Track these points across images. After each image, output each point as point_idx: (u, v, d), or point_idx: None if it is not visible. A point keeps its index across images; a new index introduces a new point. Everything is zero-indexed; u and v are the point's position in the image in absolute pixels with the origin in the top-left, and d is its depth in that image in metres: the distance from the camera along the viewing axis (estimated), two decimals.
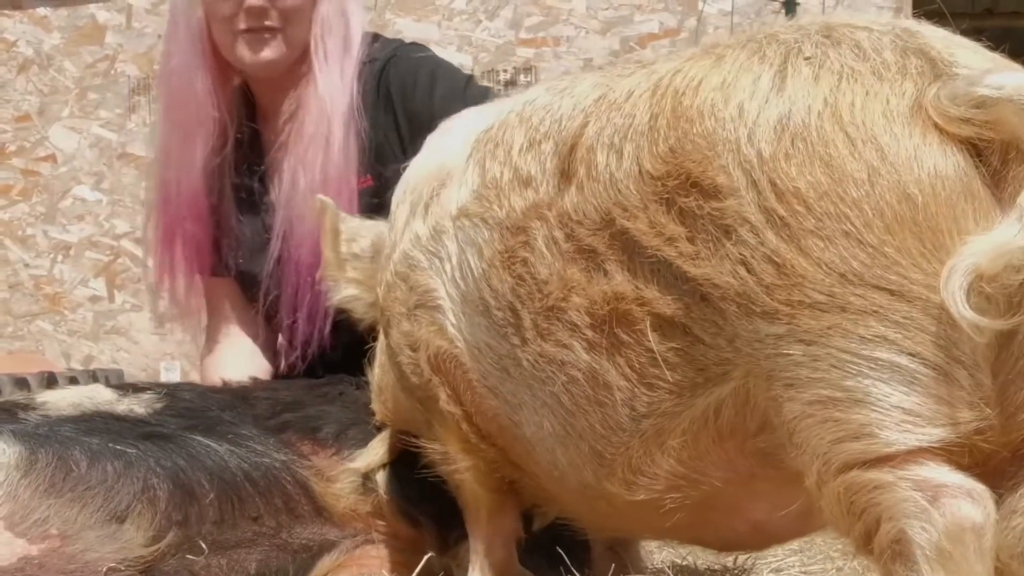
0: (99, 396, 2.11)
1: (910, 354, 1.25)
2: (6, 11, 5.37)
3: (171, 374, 5.08)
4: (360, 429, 2.10)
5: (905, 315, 1.25)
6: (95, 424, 1.97)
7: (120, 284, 5.31)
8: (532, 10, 5.13)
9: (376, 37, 2.65)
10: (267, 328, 2.67)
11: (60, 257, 5.36)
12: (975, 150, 1.26)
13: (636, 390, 1.45)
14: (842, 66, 1.33)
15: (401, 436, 1.96)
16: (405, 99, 2.50)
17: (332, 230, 2.04)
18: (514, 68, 5.15)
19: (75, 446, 1.87)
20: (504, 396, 1.65)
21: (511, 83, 5.14)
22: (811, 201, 1.28)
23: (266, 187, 2.56)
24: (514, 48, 5.15)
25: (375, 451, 2.05)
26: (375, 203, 2.35)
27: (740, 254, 1.31)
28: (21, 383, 2.96)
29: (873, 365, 1.25)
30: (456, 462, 1.79)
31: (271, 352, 2.67)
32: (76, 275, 5.33)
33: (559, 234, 1.51)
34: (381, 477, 2.02)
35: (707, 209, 1.34)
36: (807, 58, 1.35)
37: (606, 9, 5.02)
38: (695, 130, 1.37)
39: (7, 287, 5.37)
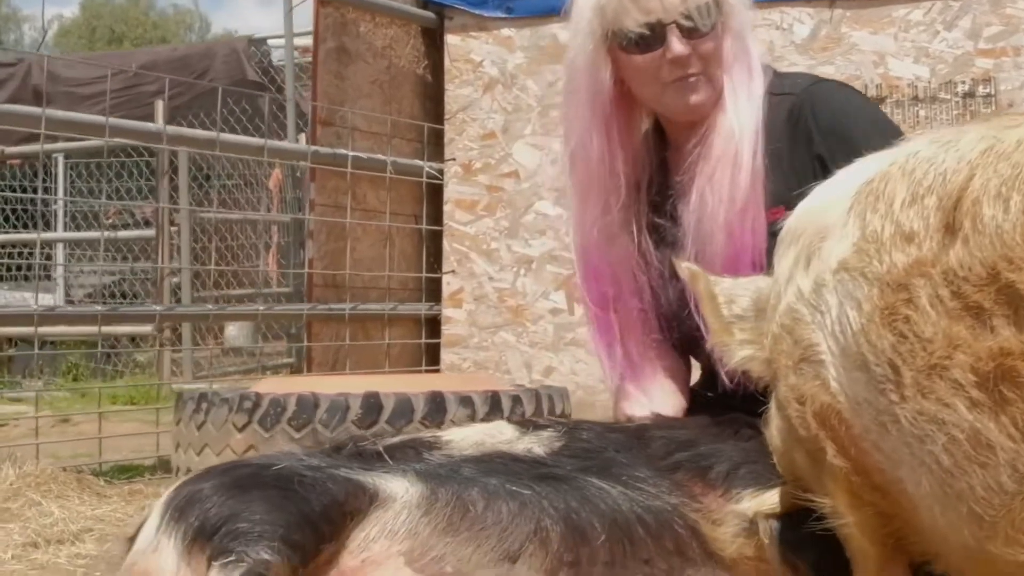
0: (501, 435, 2.20)
1: None
2: (473, 33, 5.68)
3: None
4: (750, 469, 2.08)
5: None
6: (494, 464, 2.06)
7: (579, 297, 5.47)
8: (992, 20, 4.89)
9: (777, 73, 2.64)
10: (683, 359, 2.71)
11: (523, 271, 5.58)
12: None
13: (1021, 449, 1.41)
14: None
15: (793, 490, 1.94)
16: (827, 133, 2.47)
17: (709, 295, 2.03)
18: (972, 79, 4.93)
19: (473, 486, 1.97)
20: (885, 452, 1.63)
21: (969, 95, 4.93)
22: None
23: (676, 214, 2.58)
24: (972, 59, 4.93)
25: (767, 499, 2.02)
26: None
27: None
28: (466, 401, 3.15)
29: None
30: (844, 516, 1.76)
31: (685, 383, 2.69)
32: (537, 288, 5.53)
33: (944, 292, 1.49)
34: (766, 524, 2.00)
35: None
36: None
37: None
38: None
39: (473, 299, 5.65)
